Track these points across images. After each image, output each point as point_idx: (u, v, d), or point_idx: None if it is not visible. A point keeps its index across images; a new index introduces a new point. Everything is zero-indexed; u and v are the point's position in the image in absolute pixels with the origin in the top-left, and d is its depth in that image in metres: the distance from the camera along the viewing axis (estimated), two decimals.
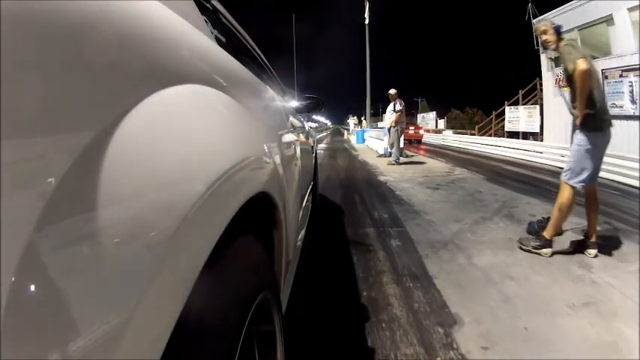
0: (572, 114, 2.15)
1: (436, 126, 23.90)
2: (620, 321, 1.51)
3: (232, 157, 0.48)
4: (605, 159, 5.48)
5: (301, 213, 1.33)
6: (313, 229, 2.44)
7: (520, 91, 14.45)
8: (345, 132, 22.46)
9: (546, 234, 2.21)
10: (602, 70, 8.32)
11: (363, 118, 19.10)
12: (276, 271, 0.76)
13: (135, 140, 0.31)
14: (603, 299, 1.70)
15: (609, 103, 8.13)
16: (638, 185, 4.29)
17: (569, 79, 2.06)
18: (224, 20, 1.13)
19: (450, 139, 14.65)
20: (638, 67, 7.54)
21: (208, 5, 0.98)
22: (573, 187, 2.13)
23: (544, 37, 2.18)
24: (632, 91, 7.78)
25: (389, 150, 7.29)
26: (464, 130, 19.55)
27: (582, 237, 2.31)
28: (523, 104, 13.74)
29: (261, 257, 0.60)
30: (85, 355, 0.23)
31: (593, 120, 2.06)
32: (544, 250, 2.20)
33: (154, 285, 0.28)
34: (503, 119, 14.40)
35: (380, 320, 1.53)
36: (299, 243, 1.32)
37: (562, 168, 5.84)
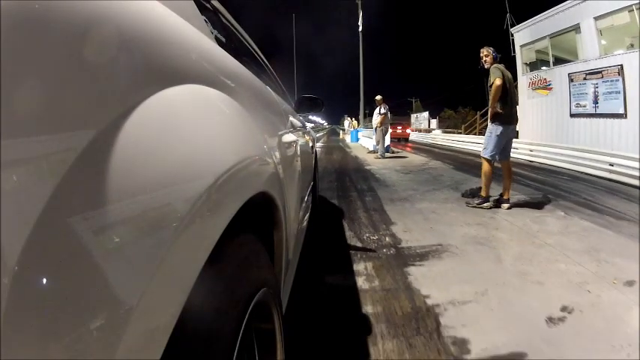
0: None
1: (429, 125, 23.92)
2: (499, 232, 2.46)
3: (233, 157, 0.48)
4: (573, 153, 6.28)
5: (301, 213, 1.35)
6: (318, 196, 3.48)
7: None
8: (341, 132, 23.29)
9: (482, 194, 3.15)
10: (568, 74, 9.30)
11: (352, 119, 19.78)
12: (276, 271, 0.76)
13: (135, 140, 0.31)
14: (493, 224, 2.69)
15: (574, 103, 9.12)
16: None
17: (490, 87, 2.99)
18: (224, 20, 1.13)
19: (439, 137, 15.14)
20: (600, 70, 8.45)
21: (208, 5, 0.97)
22: (488, 160, 3.08)
23: (485, 59, 3.13)
24: (594, 92, 8.66)
25: (377, 147, 8.33)
26: (452, 130, 19.79)
27: (499, 197, 3.22)
28: None
29: (261, 256, 0.60)
30: (88, 353, 0.23)
31: (501, 117, 2.97)
32: (484, 205, 3.09)
33: (156, 283, 0.28)
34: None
35: (353, 221, 2.81)
36: (303, 227, 1.39)
37: (531, 161, 7.01)
